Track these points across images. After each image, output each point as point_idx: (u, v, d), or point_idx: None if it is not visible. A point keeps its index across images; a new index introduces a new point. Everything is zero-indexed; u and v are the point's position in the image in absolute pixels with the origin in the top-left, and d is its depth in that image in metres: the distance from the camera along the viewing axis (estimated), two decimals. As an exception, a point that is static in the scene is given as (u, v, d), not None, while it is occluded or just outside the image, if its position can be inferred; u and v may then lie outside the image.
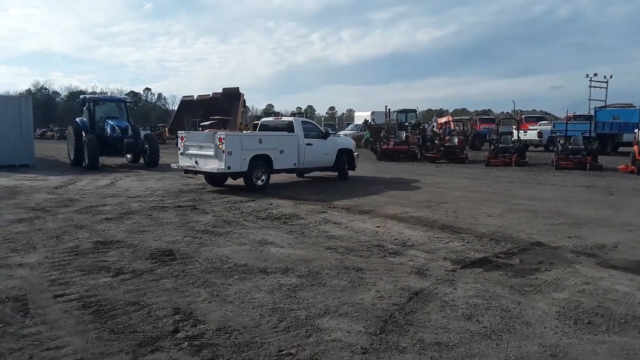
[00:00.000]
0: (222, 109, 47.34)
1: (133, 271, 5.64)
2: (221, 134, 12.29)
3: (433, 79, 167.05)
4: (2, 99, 22.97)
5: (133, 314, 4.39)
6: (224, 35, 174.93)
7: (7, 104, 20.12)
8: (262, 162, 12.65)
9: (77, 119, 20.97)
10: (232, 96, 49.45)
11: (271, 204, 10.48)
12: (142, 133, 22.30)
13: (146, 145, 20.28)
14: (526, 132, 28.60)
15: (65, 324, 4.17)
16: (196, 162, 12.56)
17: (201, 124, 43.64)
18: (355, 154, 15.53)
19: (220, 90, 51.68)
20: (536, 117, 35.37)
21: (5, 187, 13.42)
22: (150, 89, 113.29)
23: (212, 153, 12.10)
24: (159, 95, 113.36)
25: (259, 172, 12.64)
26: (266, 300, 4.71)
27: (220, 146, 11.90)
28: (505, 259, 6.22)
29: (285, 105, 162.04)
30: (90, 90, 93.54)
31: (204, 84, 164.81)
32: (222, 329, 4.06)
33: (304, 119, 16.29)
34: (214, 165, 12.18)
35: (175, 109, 63.83)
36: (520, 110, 40.11)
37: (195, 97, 54.23)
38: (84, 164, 19.33)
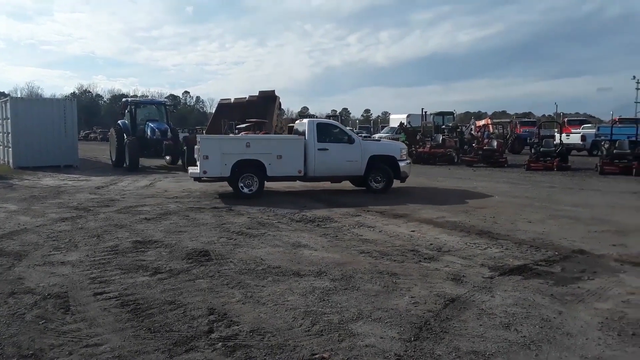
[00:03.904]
0: (258, 111, 47.83)
1: (170, 271, 5.75)
2: (199, 137, 11.93)
3: (473, 81, 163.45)
4: (49, 103, 24.05)
5: (169, 313, 4.47)
6: (262, 38, 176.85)
7: (53, 107, 21.01)
8: (251, 169, 11.72)
9: (119, 122, 21.67)
10: (268, 99, 49.83)
11: (305, 206, 10.50)
12: (181, 135, 22.81)
13: (184, 148, 20.71)
14: (569, 135, 27.67)
15: (104, 322, 4.28)
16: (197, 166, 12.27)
17: (237, 126, 44.33)
18: (403, 162, 12.89)
19: (257, 93, 52.29)
20: (579, 120, 34.16)
21: (49, 186, 13.98)
22: (189, 92, 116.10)
23: (197, 156, 11.93)
24: (197, 98, 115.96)
25: (248, 179, 11.72)
26: (299, 303, 4.71)
27: (199, 150, 11.60)
28: (546, 267, 6.02)
29: (321, 107, 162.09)
30: (131, 94, 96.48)
31: (241, 87, 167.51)
32: (256, 330, 4.09)
33: (325, 121, 14.66)
34: (195, 170, 11.97)
35: (213, 112, 65.05)
36: (563, 113, 38.90)
37: (232, 100, 54.94)
38: (125, 165, 19.93)
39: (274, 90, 54.99)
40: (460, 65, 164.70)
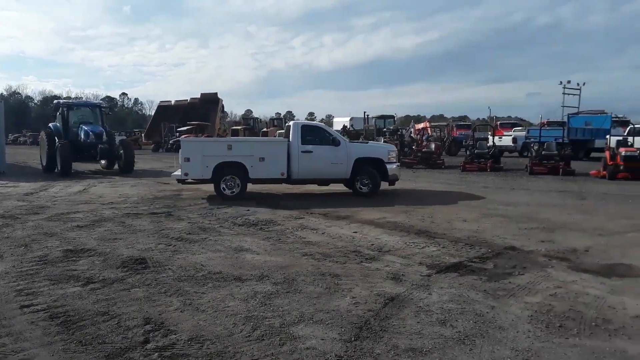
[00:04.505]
0: (200, 114, 47.04)
1: (103, 280, 5.51)
2: (183, 139, 11.88)
3: (413, 86, 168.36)
4: (-28, 104, 22.39)
5: (102, 324, 4.27)
6: (204, 40, 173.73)
7: (-23, 109, 19.62)
8: (233, 171, 11.86)
9: (50, 124, 20.60)
10: (210, 101, 49.16)
11: (248, 210, 10.39)
12: (117, 138, 22.00)
13: (121, 151, 19.99)
14: (501, 138, 29.03)
15: (31, 336, 4.03)
16: None
17: (178, 129, 43.24)
18: (391, 165, 12.67)
19: (198, 96, 51.35)
20: (511, 124, 35.95)
21: (-28, 194, 13.02)
22: (126, 94, 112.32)
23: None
24: (136, 100, 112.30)
25: (230, 181, 11.89)
26: (240, 309, 4.65)
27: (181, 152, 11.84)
28: (480, 264, 6.27)
29: (265, 110, 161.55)
30: (64, 95, 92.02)
31: (182, 89, 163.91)
32: (194, 338, 3.98)
33: (311, 123, 14.39)
34: (177, 172, 12.14)
35: (152, 114, 63.19)
36: (496, 117, 40.75)
37: (172, 103, 53.75)
38: (56, 170, 18.90)
39: (216, 93, 54.18)
40: (401, 70, 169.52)
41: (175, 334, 4.07)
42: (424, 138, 27.36)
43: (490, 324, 4.35)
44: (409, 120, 69.37)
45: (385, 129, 29.67)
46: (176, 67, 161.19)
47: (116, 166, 20.57)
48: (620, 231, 8.21)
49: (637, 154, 16.83)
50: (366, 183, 12.49)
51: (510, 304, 4.87)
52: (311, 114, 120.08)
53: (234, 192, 11.90)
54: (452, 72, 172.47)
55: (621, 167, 16.45)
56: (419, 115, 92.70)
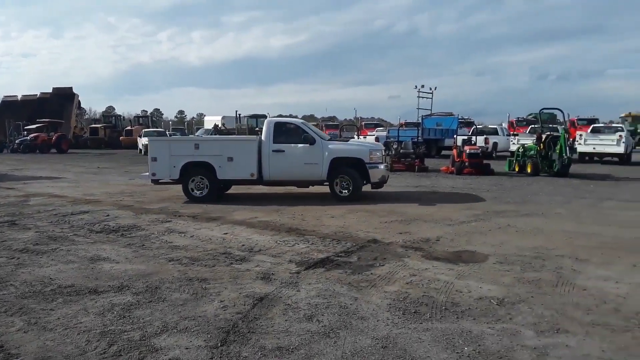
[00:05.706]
0: (52, 110, 42.70)
1: None
2: (150, 138, 12.02)
3: (284, 85, 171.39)
4: None
5: None
6: (58, 29, 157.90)
7: None
8: (201, 171, 11.37)
9: None
10: (64, 97, 44.89)
11: (108, 215, 9.65)
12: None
13: None
14: (365, 137, 30.82)
15: None
16: None
17: (26, 127, 38.75)
18: (374, 165, 11.52)
19: (50, 90, 46.55)
20: (374, 124, 38.42)
21: None
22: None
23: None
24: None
25: (198, 182, 11.45)
26: (95, 324, 4.28)
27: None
28: (345, 257, 6.55)
29: (130, 107, 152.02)
30: None
31: (32, 82, 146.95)
32: (39, 361, 3.58)
33: (285, 120, 13.28)
34: (145, 173, 12.00)
35: (-6, 110, 55.68)
36: (361, 117, 43.19)
37: (19, 98, 48.04)
38: None
39: (71, 87, 49.63)
40: (273, 70, 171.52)
41: (17, 358, 3.62)
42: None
43: (354, 315, 4.55)
44: (280, 119, 70.32)
45: (257, 128, 29.66)
46: (25, 58, 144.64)
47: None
48: (465, 221, 9.17)
49: (479, 152, 19.03)
50: (346, 186, 11.56)
51: (372, 294, 5.14)
52: (181, 112, 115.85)
53: (202, 193, 11.48)
54: (321, 73, 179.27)
55: (466, 164, 18.47)
56: (291, 114, 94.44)
